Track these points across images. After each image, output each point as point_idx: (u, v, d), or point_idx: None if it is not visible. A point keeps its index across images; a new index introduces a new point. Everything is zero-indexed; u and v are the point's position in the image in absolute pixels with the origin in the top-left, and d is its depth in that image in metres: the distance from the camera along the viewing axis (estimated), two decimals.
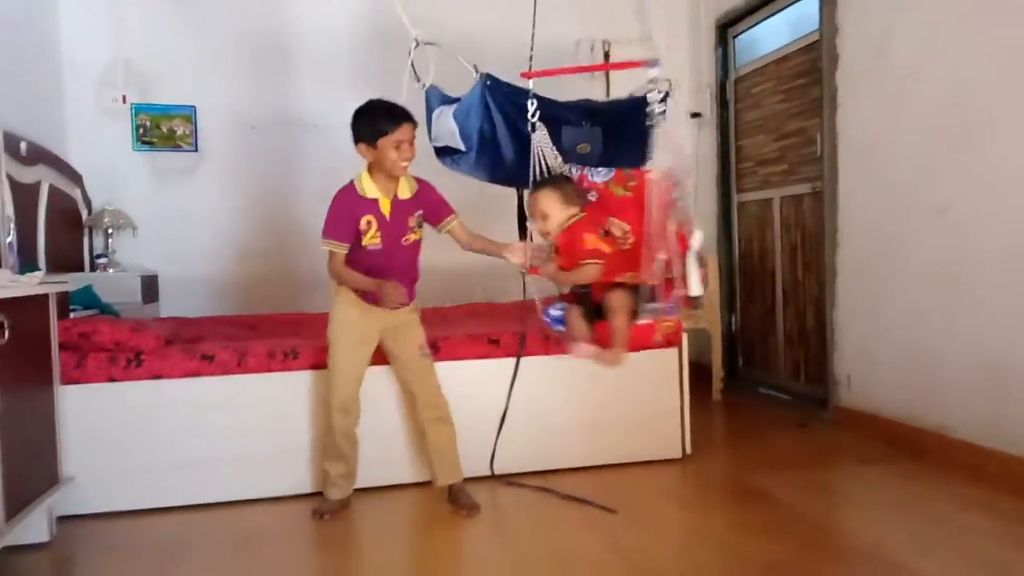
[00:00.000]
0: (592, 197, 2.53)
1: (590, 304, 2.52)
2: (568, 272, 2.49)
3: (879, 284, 3.20)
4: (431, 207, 2.49)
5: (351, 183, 2.40)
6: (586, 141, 2.69)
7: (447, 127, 2.74)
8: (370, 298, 2.40)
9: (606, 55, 4.68)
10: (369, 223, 2.36)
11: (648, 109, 2.47)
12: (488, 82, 2.57)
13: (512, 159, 2.65)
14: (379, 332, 2.49)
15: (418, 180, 2.48)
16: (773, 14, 4.06)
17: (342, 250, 2.36)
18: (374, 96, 4.48)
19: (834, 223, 3.45)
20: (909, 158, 3.01)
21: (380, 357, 2.55)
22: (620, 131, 2.64)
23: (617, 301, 2.43)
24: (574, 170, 2.56)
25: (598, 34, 4.63)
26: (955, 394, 2.79)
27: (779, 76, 4.02)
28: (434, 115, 2.79)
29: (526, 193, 2.62)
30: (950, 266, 2.82)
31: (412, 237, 2.45)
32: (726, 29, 4.47)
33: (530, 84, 2.53)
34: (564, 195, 2.47)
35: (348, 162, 4.50)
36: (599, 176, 2.53)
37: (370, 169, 2.39)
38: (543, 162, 2.53)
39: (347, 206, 2.36)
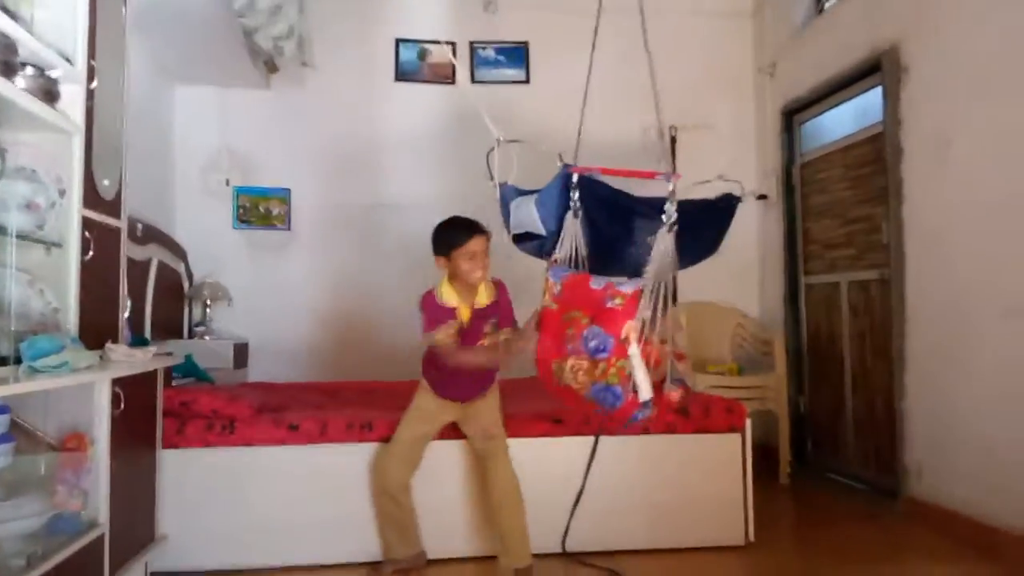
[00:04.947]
0: (615, 304, 2.34)
1: None
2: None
3: (948, 376, 3.17)
4: (501, 311, 2.59)
5: (431, 292, 2.53)
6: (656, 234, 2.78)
7: (528, 215, 2.87)
8: (446, 392, 2.59)
9: (672, 140, 4.85)
10: (448, 327, 2.50)
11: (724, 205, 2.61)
12: (569, 171, 2.73)
13: (589, 248, 2.76)
14: (452, 418, 2.66)
15: (496, 284, 2.60)
16: (838, 104, 4.17)
17: (446, 331, 2.48)
18: (450, 179, 4.79)
19: (902, 312, 3.45)
20: (973, 254, 3.03)
21: (447, 431, 2.69)
22: (693, 229, 2.73)
23: None
24: (600, 282, 2.45)
25: (665, 120, 4.80)
26: None
27: (844, 164, 4.09)
28: (512, 205, 2.96)
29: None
30: (1018, 363, 2.79)
31: (485, 341, 2.56)
32: (791, 116, 4.59)
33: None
34: None
35: (423, 241, 4.76)
36: (626, 287, 2.38)
37: (450, 278, 2.52)
38: (576, 249, 2.58)
39: (435, 310, 2.50)
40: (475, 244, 2.46)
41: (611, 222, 2.67)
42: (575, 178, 2.61)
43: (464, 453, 2.79)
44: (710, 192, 2.72)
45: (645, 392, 2.24)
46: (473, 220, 2.55)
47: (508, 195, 2.99)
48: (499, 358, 2.52)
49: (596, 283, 2.38)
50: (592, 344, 2.30)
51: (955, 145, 3.14)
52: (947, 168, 3.19)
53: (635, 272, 2.46)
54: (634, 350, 2.25)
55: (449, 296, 2.50)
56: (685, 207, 2.78)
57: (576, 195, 2.58)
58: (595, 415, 2.56)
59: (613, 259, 2.59)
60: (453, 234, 2.48)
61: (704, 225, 2.63)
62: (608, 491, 2.87)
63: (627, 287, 2.32)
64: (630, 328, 2.26)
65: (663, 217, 2.43)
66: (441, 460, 2.75)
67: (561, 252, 2.54)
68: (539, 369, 2.55)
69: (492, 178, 2.91)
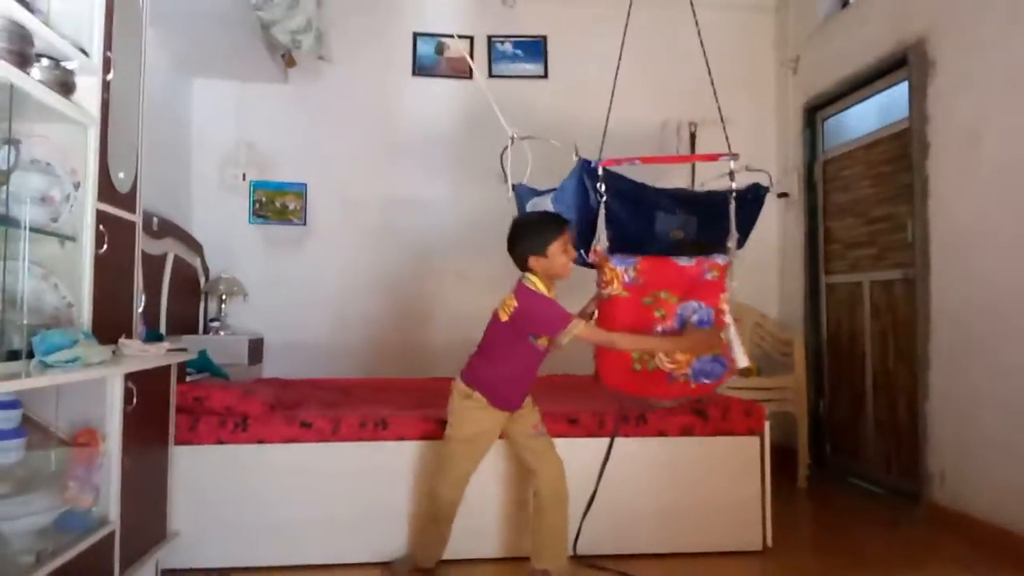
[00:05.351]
0: (712, 276, 2.56)
1: None
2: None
3: (973, 378, 3.09)
4: None
5: (531, 289, 2.39)
6: (680, 228, 2.76)
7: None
8: (507, 403, 2.48)
9: (692, 136, 4.79)
10: None
11: (738, 196, 2.58)
12: (587, 165, 2.69)
13: (611, 242, 2.72)
14: (500, 427, 2.54)
15: None
16: (862, 100, 4.08)
17: (580, 321, 2.37)
18: (469, 174, 4.76)
19: (927, 312, 3.38)
20: (1003, 253, 2.95)
21: None
22: (715, 220, 2.69)
23: None
24: (687, 260, 2.57)
25: (684, 115, 4.75)
26: None
27: (868, 161, 4.01)
28: (529, 204, 2.92)
29: None
30: None
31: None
32: (814, 112, 4.51)
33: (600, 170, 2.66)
34: None
35: (440, 237, 4.73)
36: (717, 259, 2.55)
37: (540, 276, 2.41)
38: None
39: (551, 302, 2.39)
40: (568, 235, 2.41)
41: (632, 215, 2.62)
42: (600, 171, 2.58)
43: (498, 454, 2.73)
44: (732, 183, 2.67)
45: (743, 359, 2.53)
46: (554, 213, 2.55)
47: (523, 195, 2.95)
48: (704, 341, 2.51)
49: (684, 261, 2.52)
50: (696, 318, 2.49)
51: (985, 141, 3.06)
52: (976, 165, 3.10)
53: None
54: (730, 319, 2.51)
55: (545, 291, 2.39)
56: (713, 198, 2.73)
57: (602, 187, 2.56)
58: (680, 394, 2.66)
59: (634, 251, 2.58)
60: (547, 229, 2.40)
61: (722, 218, 2.58)
62: (623, 493, 2.82)
63: (719, 259, 2.53)
64: (725, 299, 2.51)
65: (728, 193, 2.59)
66: None
67: (601, 244, 2.55)
68: (603, 363, 2.58)
69: (506, 179, 2.86)
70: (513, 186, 2.89)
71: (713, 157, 2.77)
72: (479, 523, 2.74)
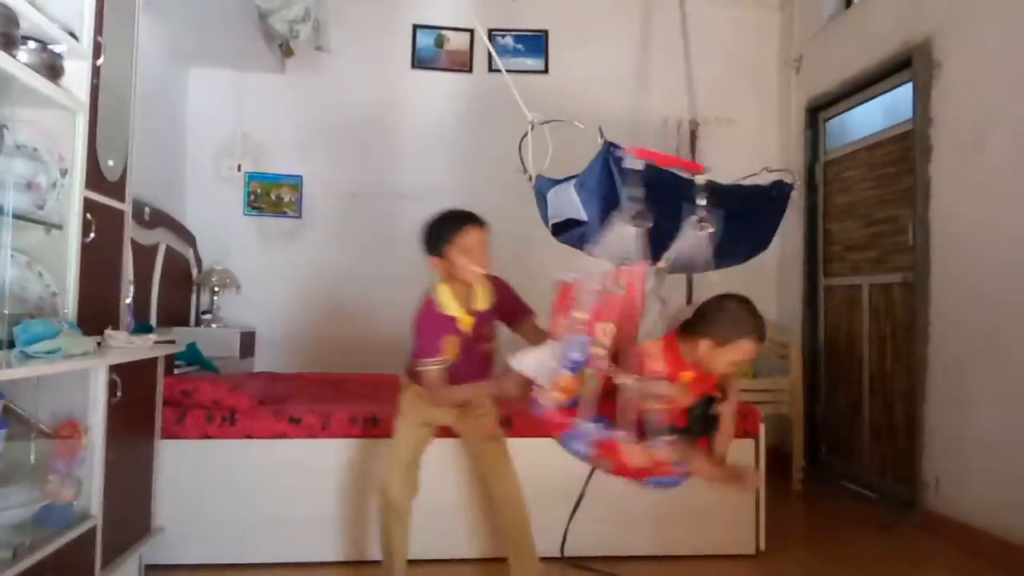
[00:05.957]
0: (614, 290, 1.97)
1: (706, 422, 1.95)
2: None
3: (972, 383, 3.06)
4: (507, 308, 2.34)
5: (429, 300, 2.23)
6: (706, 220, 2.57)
7: (567, 200, 2.72)
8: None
9: (693, 134, 4.74)
10: (449, 342, 2.22)
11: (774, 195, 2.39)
12: (612, 149, 2.57)
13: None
14: (447, 421, 2.43)
15: (494, 282, 2.31)
16: (865, 101, 4.05)
17: (439, 366, 2.19)
18: (466, 169, 4.70)
19: (925, 316, 3.34)
20: (1004, 258, 2.92)
21: (446, 429, 2.53)
22: (742, 216, 2.55)
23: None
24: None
25: (685, 113, 4.70)
26: None
27: (870, 163, 3.97)
28: (550, 194, 2.82)
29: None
30: None
31: (489, 347, 2.33)
32: (817, 113, 4.47)
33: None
34: None
35: None
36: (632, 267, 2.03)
37: (447, 281, 2.24)
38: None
39: (433, 327, 2.20)
40: (470, 236, 2.17)
41: (660, 205, 2.43)
42: (625, 162, 2.13)
43: (463, 453, 2.70)
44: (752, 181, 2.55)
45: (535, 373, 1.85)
46: (467, 211, 2.30)
47: (543, 187, 2.85)
48: (496, 392, 2.21)
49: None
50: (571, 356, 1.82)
51: (989, 144, 3.02)
52: (980, 168, 3.07)
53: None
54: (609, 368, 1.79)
55: (448, 302, 2.20)
56: (735, 192, 2.58)
57: (627, 190, 2.30)
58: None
59: (658, 248, 2.25)
60: (445, 227, 2.21)
61: (756, 215, 2.43)
62: (614, 494, 2.74)
63: (628, 267, 1.91)
64: (606, 331, 1.83)
65: (696, 209, 2.08)
66: (439, 460, 2.63)
67: (599, 248, 2.12)
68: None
69: (525, 170, 2.74)
70: (531, 178, 2.78)
71: (699, 167, 2.52)
72: (454, 523, 2.71)
